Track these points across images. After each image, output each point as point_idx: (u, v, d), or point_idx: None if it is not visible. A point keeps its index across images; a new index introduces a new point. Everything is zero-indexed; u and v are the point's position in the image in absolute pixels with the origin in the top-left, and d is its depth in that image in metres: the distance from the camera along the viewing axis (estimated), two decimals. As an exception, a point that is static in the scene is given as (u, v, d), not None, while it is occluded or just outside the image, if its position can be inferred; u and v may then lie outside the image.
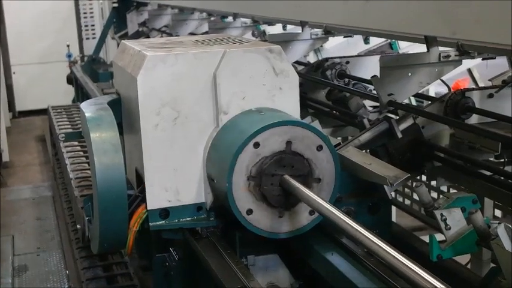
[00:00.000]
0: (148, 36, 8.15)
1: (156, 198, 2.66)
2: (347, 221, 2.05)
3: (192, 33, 6.92)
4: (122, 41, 3.15)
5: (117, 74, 3.12)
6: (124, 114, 2.99)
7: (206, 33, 6.26)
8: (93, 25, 12.13)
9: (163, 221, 2.70)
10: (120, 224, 2.63)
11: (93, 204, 2.78)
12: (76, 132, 3.09)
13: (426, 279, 1.67)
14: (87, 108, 2.82)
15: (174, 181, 2.66)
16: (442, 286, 1.62)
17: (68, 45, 10.77)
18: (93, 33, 12.04)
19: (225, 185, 2.45)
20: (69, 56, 10.60)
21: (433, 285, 1.64)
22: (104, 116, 2.73)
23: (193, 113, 2.65)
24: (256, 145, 2.44)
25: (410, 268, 1.74)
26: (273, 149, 2.46)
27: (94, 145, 2.59)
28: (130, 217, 2.67)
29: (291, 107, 2.71)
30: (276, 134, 2.46)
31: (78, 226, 3.23)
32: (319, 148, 2.50)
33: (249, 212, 2.49)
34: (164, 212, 2.69)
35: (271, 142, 2.46)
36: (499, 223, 2.10)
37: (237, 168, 2.44)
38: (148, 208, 2.67)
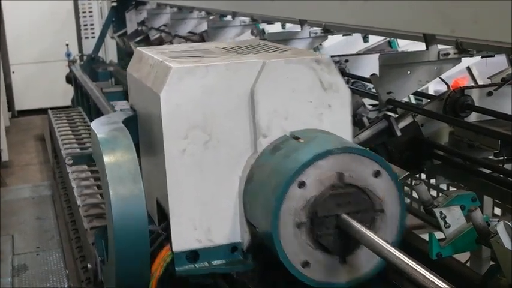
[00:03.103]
0: (147, 35, 8.15)
1: (184, 238, 2.27)
2: (417, 268, 1.73)
3: (191, 32, 6.92)
4: (137, 48, 2.75)
5: (133, 87, 2.70)
6: (142, 134, 2.60)
7: (205, 32, 6.26)
8: (92, 24, 12.13)
9: (192, 265, 2.29)
10: (140, 270, 2.24)
11: (107, 242, 2.40)
12: (85, 154, 2.71)
13: (427, 278, 1.67)
14: (99, 128, 2.43)
15: (205, 217, 2.27)
16: (443, 284, 1.62)
17: (67, 45, 10.75)
18: (92, 33, 12.03)
19: (270, 236, 2.05)
20: (68, 55, 10.58)
21: (434, 283, 1.64)
22: (120, 138, 2.34)
23: (227, 136, 2.27)
24: (302, 184, 2.03)
25: (411, 266, 1.74)
26: (322, 185, 2.05)
27: (109, 173, 2.19)
28: (152, 259, 2.27)
29: (342, 127, 2.32)
30: (323, 166, 2.05)
31: (88, 265, 2.86)
32: (377, 174, 2.10)
33: (305, 264, 2.09)
34: (192, 255, 2.29)
35: (319, 177, 2.05)
36: (498, 221, 2.10)
37: (282, 216, 2.03)
38: (175, 250, 2.27)
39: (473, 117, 3.05)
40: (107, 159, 2.23)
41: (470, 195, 2.33)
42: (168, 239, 2.29)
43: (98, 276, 2.62)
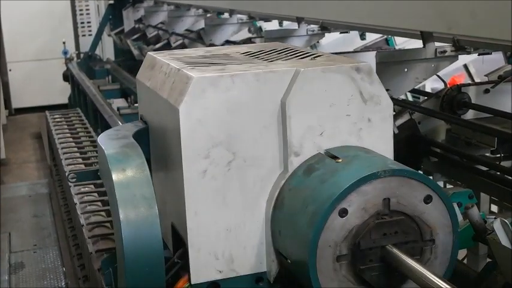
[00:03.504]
0: (144, 33, 8.15)
1: (203, 268, 2.03)
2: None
3: (188, 30, 6.91)
4: (149, 52, 2.52)
5: (144, 97, 2.44)
6: (154, 150, 2.36)
7: (202, 29, 6.26)
8: (89, 22, 12.11)
9: None
10: None
11: (115, 271, 2.18)
12: (91, 171, 2.49)
13: (424, 275, 1.67)
14: (108, 143, 2.17)
15: (227, 245, 2.03)
16: (440, 281, 1.62)
17: (64, 42, 10.75)
18: (89, 30, 12.02)
19: (305, 270, 1.82)
20: (65, 53, 10.58)
21: (432, 280, 1.64)
22: (132, 156, 2.07)
23: (254, 155, 2.02)
24: (343, 213, 1.80)
25: (408, 263, 1.74)
26: (366, 214, 1.82)
27: (119, 197, 1.94)
28: None
29: (383, 144, 2.08)
30: (368, 192, 1.81)
31: None
32: (428, 200, 1.85)
33: None
34: (213, 286, 2.05)
35: (363, 204, 1.81)
36: (495, 218, 2.11)
37: (320, 248, 1.79)
38: (193, 282, 2.03)
39: (470, 114, 3.06)
40: (117, 180, 1.97)
41: (467, 193, 2.34)
42: (185, 268, 2.07)
43: None
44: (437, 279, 1.64)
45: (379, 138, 2.07)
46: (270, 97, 2.00)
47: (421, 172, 3.25)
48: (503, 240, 2.03)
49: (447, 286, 1.61)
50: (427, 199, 1.85)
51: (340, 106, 2.02)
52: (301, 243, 1.83)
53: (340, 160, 1.92)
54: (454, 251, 1.90)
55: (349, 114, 2.03)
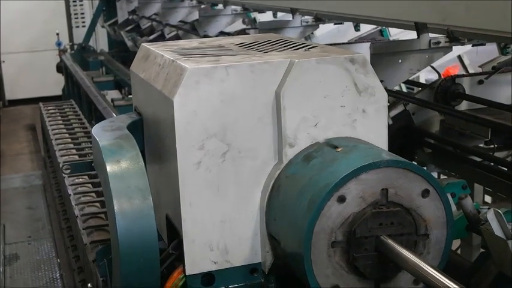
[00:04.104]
0: (138, 24, 8.13)
1: (198, 259, 2.04)
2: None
3: (182, 21, 6.90)
4: (143, 44, 2.52)
5: (138, 88, 2.44)
6: (149, 141, 2.36)
7: (196, 21, 6.25)
8: (82, 13, 12.08)
9: None
10: None
11: (110, 261, 2.19)
12: (85, 162, 2.50)
13: (418, 265, 1.68)
14: (102, 135, 2.17)
15: (222, 236, 2.04)
16: (434, 271, 1.63)
17: (58, 34, 10.72)
18: (83, 22, 11.99)
19: (299, 255, 1.82)
20: (59, 44, 10.56)
21: (425, 270, 1.65)
22: (126, 148, 2.08)
23: (248, 146, 2.02)
24: (342, 200, 1.80)
25: (402, 254, 1.74)
26: (364, 202, 1.82)
27: (114, 188, 1.95)
28: (162, 282, 2.05)
29: (377, 136, 2.08)
30: (367, 181, 1.81)
31: (89, 285, 2.73)
32: (425, 193, 1.86)
33: None
34: (208, 277, 2.05)
35: (362, 192, 1.81)
36: (488, 208, 2.12)
37: (316, 233, 1.80)
38: (187, 273, 2.03)
39: (464, 105, 3.07)
40: (111, 172, 1.97)
41: (461, 183, 2.35)
42: (179, 259, 2.07)
43: None
44: (431, 269, 1.64)
45: (373, 129, 2.07)
46: (265, 88, 1.99)
47: (415, 163, 3.27)
48: (497, 230, 2.04)
49: (441, 276, 1.61)
50: (425, 193, 1.85)
51: (335, 97, 2.01)
52: (296, 228, 1.83)
53: (339, 149, 1.91)
54: (447, 247, 1.90)
55: (343, 105, 2.03)
